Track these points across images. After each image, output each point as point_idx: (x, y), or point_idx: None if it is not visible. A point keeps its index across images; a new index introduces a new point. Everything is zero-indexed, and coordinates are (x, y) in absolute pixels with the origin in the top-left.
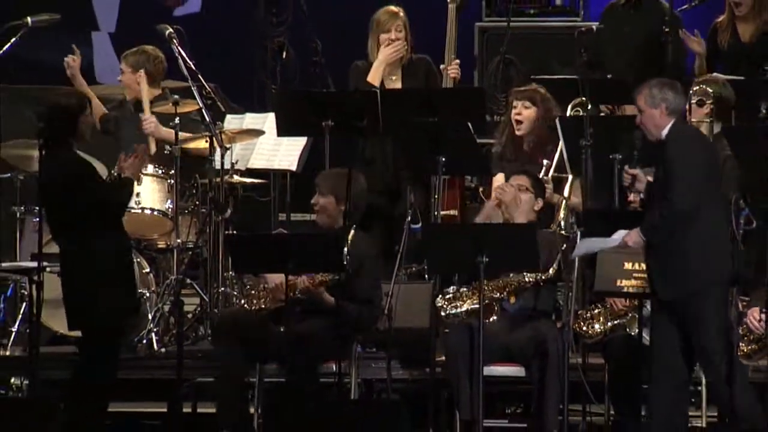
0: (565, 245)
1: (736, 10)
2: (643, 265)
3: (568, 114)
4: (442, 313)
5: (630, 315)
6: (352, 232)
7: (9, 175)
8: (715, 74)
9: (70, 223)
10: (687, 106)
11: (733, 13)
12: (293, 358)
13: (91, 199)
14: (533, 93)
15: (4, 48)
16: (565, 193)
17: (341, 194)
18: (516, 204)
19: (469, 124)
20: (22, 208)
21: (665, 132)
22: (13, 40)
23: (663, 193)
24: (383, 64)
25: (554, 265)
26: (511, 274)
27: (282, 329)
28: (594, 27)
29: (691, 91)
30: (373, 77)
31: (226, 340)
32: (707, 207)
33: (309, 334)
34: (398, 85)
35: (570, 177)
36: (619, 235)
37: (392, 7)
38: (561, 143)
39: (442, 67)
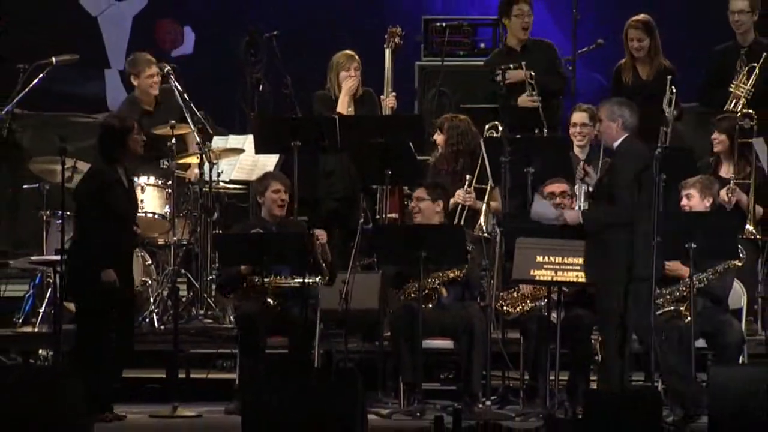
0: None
1: (635, 53)
2: (552, 258)
3: (485, 135)
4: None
5: (545, 299)
6: None
7: (37, 185)
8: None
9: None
10: None
11: (633, 56)
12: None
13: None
14: (441, 122)
15: (34, 82)
16: (486, 199)
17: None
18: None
19: (411, 144)
20: (48, 212)
21: (617, 144)
22: (40, 75)
23: (608, 195)
24: (347, 95)
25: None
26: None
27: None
28: (511, 66)
29: None
30: (341, 108)
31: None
32: (642, 212)
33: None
34: (352, 113)
35: (490, 186)
36: (558, 211)
37: (348, 51)
38: (480, 159)
39: (382, 97)
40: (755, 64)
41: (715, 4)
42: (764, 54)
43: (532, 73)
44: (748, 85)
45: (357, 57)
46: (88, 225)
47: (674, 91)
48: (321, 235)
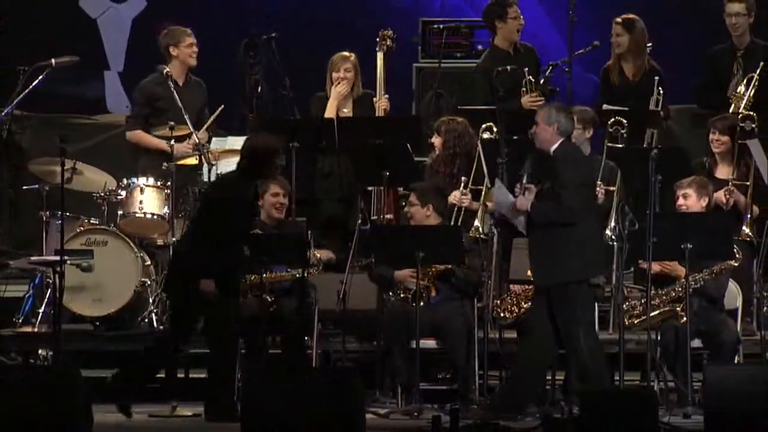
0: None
1: (616, 48)
2: None
3: (480, 135)
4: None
5: None
6: None
7: (37, 186)
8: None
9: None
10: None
11: (618, 56)
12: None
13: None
14: (439, 125)
15: (33, 84)
16: (482, 200)
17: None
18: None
19: (408, 146)
20: (47, 212)
21: (554, 148)
22: (40, 77)
23: (553, 197)
24: (335, 101)
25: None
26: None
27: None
28: (508, 68)
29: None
30: (329, 112)
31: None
32: (585, 214)
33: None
34: (350, 114)
35: (486, 187)
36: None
37: (345, 52)
38: (476, 162)
39: (375, 100)
40: (754, 74)
41: (712, 7)
42: (762, 63)
43: (532, 78)
44: (749, 94)
45: (353, 58)
46: (203, 231)
47: (661, 92)
48: None
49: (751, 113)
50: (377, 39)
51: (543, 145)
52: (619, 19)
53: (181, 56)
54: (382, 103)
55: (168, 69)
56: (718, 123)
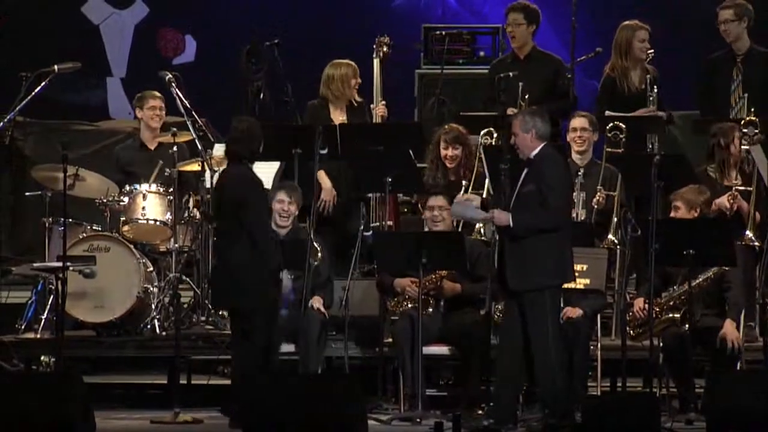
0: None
1: (644, 55)
2: None
3: (480, 141)
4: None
5: None
6: None
7: (40, 192)
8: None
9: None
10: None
11: (621, 62)
12: None
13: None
14: (460, 135)
15: (36, 91)
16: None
17: None
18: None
19: (410, 152)
20: (50, 219)
21: (534, 153)
22: (43, 84)
23: (538, 201)
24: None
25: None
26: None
27: None
28: (510, 74)
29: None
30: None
31: None
32: (567, 217)
33: None
34: (343, 120)
35: (486, 191)
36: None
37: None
38: (476, 165)
39: (372, 106)
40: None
41: (712, 12)
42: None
43: (525, 97)
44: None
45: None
46: None
47: (656, 89)
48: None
49: (755, 119)
50: (374, 46)
51: (525, 152)
52: (647, 28)
53: (144, 118)
54: (379, 110)
55: (169, 74)
56: (730, 131)
